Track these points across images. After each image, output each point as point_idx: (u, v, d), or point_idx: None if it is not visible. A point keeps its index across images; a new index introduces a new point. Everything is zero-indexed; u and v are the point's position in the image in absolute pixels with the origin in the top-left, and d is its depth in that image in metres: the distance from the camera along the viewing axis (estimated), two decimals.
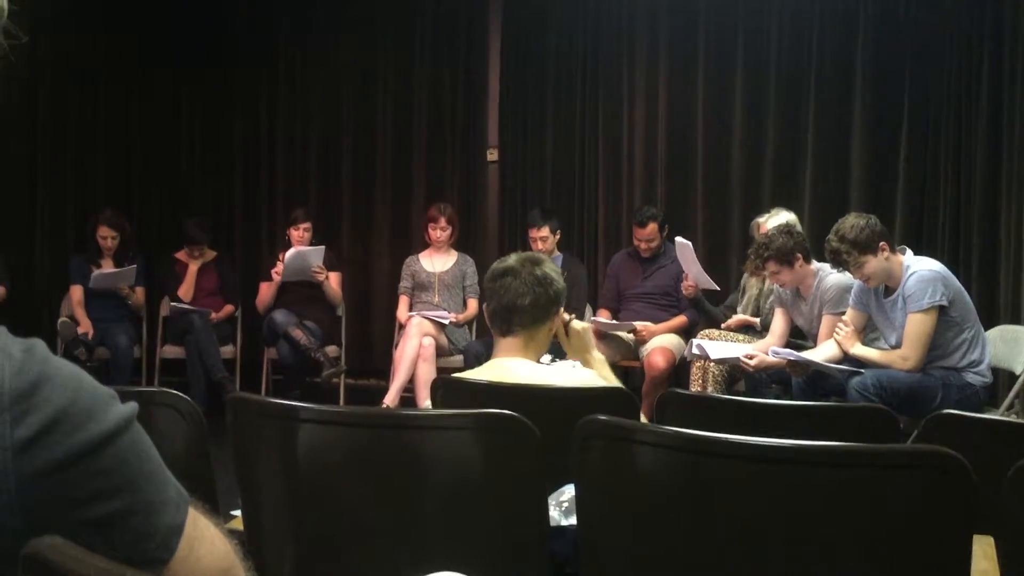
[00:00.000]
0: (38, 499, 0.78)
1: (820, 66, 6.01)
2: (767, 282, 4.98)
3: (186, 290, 6.13)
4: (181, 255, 6.24)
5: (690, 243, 5.16)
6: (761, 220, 5.02)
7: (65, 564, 0.63)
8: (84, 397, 0.82)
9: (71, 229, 6.66)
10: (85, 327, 5.77)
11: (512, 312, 2.39)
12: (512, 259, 2.44)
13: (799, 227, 4.92)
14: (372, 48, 6.95)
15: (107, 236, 5.95)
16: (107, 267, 5.95)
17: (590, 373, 2.42)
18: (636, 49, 6.42)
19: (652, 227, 5.48)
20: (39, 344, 0.83)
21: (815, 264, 4.44)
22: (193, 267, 6.16)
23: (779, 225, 4.62)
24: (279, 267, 5.91)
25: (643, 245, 5.54)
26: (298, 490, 1.79)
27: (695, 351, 4.58)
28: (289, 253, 5.86)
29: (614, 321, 5.38)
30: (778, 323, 4.64)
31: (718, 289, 5.33)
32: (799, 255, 4.35)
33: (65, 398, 0.80)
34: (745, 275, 5.21)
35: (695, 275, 5.19)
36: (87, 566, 0.62)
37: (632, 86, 6.46)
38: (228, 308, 6.25)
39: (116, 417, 0.83)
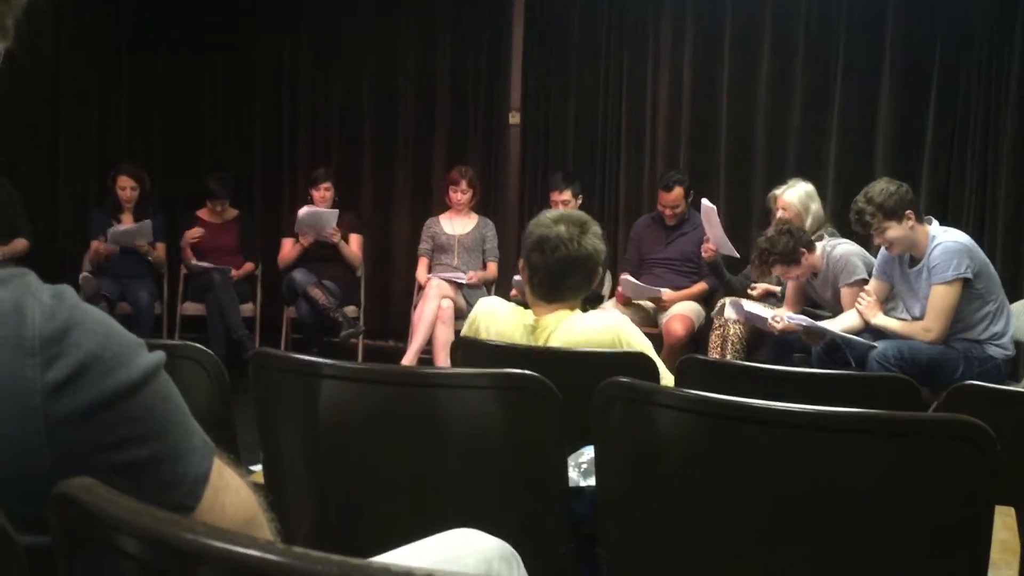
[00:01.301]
0: (67, 443, 0.78)
1: (849, 34, 5.91)
2: None
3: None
4: (203, 213, 6.25)
5: (715, 207, 5.11)
6: (778, 192, 4.96)
7: (95, 504, 0.64)
8: (113, 344, 0.82)
9: (93, 185, 6.68)
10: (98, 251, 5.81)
11: (559, 284, 2.40)
12: (562, 228, 2.39)
13: (816, 197, 4.87)
14: (394, 11, 6.90)
15: (126, 187, 5.93)
16: (127, 221, 5.95)
17: (619, 315, 2.48)
18: (662, 14, 6.34)
19: (678, 192, 5.44)
20: (68, 290, 0.83)
21: (819, 247, 4.39)
22: (208, 224, 6.12)
23: (777, 225, 4.55)
24: (304, 235, 5.90)
25: (668, 211, 5.50)
26: (319, 446, 1.81)
27: (730, 309, 4.58)
28: (304, 210, 5.87)
29: (642, 285, 5.34)
30: (791, 292, 4.63)
31: (738, 256, 5.28)
32: (803, 250, 4.30)
33: (95, 344, 0.80)
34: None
35: (717, 239, 5.14)
36: (118, 507, 0.63)
37: (657, 51, 6.38)
38: (248, 266, 6.26)
39: (144, 365, 0.84)
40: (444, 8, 6.84)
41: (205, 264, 5.99)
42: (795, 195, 4.83)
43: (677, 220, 5.52)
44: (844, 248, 4.34)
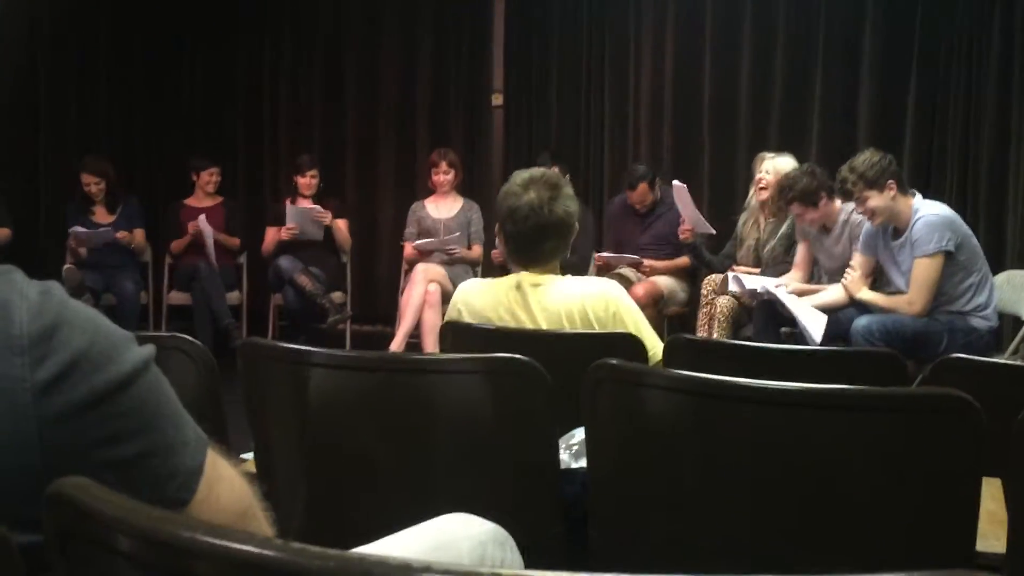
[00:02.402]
0: (59, 440, 0.78)
1: (829, 8, 5.92)
2: (764, 230, 4.96)
3: (179, 245, 6.10)
4: (190, 201, 6.21)
5: (686, 186, 5.09)
6: (768, 156, 4.99)
7: (89, 503, 0.64)
8: (102, 340, 0.82)
9: (73, 175, 6.62)
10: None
11: (535, 248, 2.41)
12: (532, 195, 2.37)
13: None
14: None
15: (90, 183, 5.90)
16: (99, 213, 5.93)
17: (615, 284, 2.47)
18: None
19: (642, 188, 5.42)
20: (56, 287, 0.83)
21: (839, 202, 4.38)
22: (192, 224, 6.08)
23: (803, 166, 4.54)
24: (290, 227, 5.88)
25: (637, 205, 5.51)
26: (309, 434, 1.81)
27: (733, 284, 4.56)
28: (294, 208, 5.86)
29: (621, 255, 5.35)
30: (800, 256, 4.64)
31: (714, 232, 5.29)
32: (823, 194, 4.30)
33: (84, 340, 0.80)
34: (739, 224, 5.16)
35: (692, 219, 5.14)
36: (112, 505, 0.62)
37: (639, 29, 6.38)
38: (234, 241, 6.22)
39: (134, 359, 0.83)
40: None
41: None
42: (782, 163, 4.84)
43: (648, 208, 5.51)
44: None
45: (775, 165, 4.87)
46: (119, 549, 0.63)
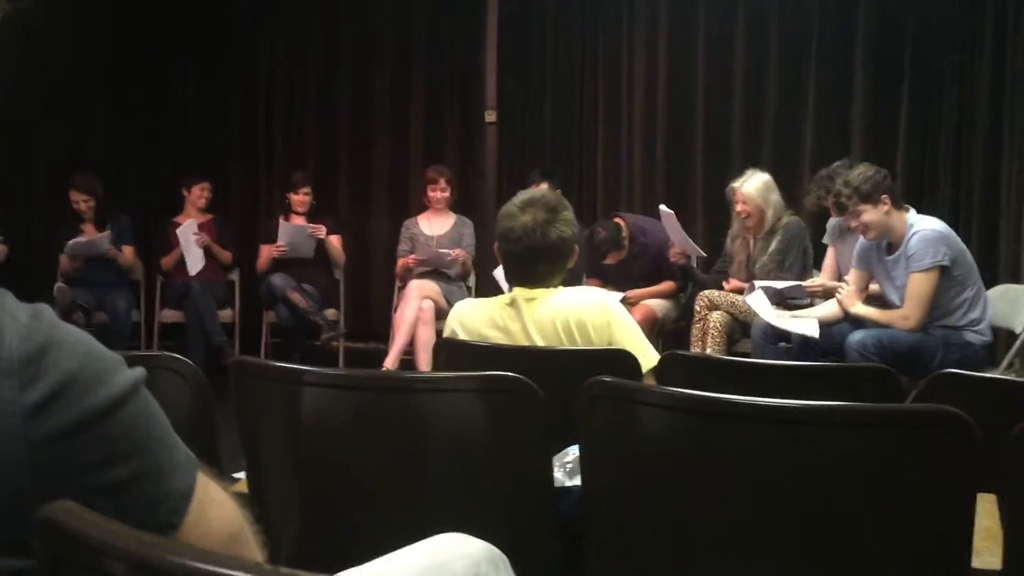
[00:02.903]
0: (48, 464, 0.78)
1: (822, 19, 5.94)
2: (754, 247, 4.97)
3: (168, 261, 6.09)
4: (180, 218, 6.19)
5: (673, 213, 5.09)
6: (736, 185, 4.98)
7: (80, 528, 0.63)
8: (93, 362, 0.81)
9: (66, 194, 6.61)
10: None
11: (530, 270, 2.42)
12: (528, 218, 2.38)
13: (774, 187, 4.90)
14: (370, 9, 6.88)
15: (79, 200, 5.88)
16: (88, 231, 5.90)
17: (600, 291, 2.51)
18: (636, 8, 6.35)
19: (612, 254, 5.29)
20: (46, 309, 0.82)
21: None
22: (178, 245, 6.05)
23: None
24: (280, 246, 5.89)
25: (612, 262, 5.36)
26: (302, 453, 1.80)
27: (758, 296, 4.41)
28: (286, 226, 5.88)
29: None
30: (828, 261, 4.67)
31: (704, 255, 5.30)
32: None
33: (74, 363, 0.79)
34: (728, 242, 5.16)
35: (681, 242, 5.14)
36: (102, 530, 0.62)
37: (632, 46, 6.39)
38: (226, 254, 6.21)
39: (125, 382, 0.83)
40: (420, 6, 6.83)
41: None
42: (753, 187, 4.86)
43: (625, 253, 5.37)
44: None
45: (747, 192, 4.87)
46: (110, 574, 0.63)
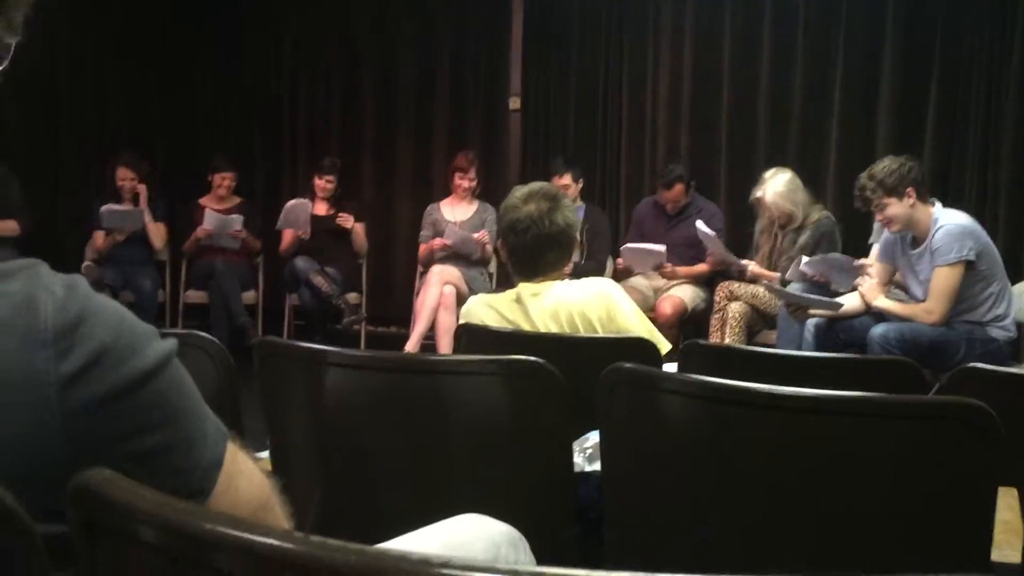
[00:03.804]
0: (82, 433, 0.79)
1: (850, 14, 5.89)
2: (782, 240, 4.96)
3: (190, 244, 6.12)
4: (205, 200, 6.23)
5: (713, 233, 5.16)
6: (759, 195, 4.97)
7: (115, 495, 0.65)
8: (126, 333, 0.83)
9: (93, 174, 6.67)
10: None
11: (537, 261, 2.44)
12: (532, 208, 2.42)
13: (796, 185, 4.91)
14: None
15: (125, 178, 5.93)
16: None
17: (609, 282, 2.53)
18: None
19: (679, 188, 5.44)
20: (81, 280, 0.83)
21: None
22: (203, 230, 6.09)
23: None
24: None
25: (670, 205, 5.52)
26: (325, 433, 1.82)
27: (806, 269, 4.50)
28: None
29: (644, 246, 5.31)
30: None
31: (744, 267, 5.31)
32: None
33: (108, 334, 0.81)
34: (756, 233, 5.18)
35: (719, 256, 5.21)
36: (136, 497, 0.63)
37: (658, 36, 6.36)
38: (256, 243, 6.23)
39: (157, 353, 0.84)
40: None
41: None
42: (776, 195, 4.84)
43: (678, 210, 5.53)
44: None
45: (772, 202, 4.86)
46: (143, 540, 0.64)
